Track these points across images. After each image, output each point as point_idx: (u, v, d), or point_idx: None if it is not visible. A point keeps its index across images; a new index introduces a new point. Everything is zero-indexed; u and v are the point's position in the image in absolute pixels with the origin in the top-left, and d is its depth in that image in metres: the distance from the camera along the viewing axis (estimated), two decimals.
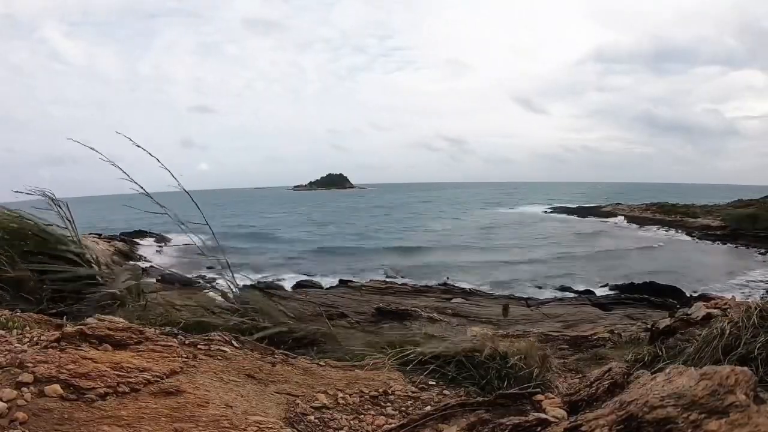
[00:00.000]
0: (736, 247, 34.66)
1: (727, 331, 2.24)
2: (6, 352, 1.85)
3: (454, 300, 19.70)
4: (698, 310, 3.73)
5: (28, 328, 2.37)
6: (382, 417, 2.04)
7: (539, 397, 2.10)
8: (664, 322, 4.04)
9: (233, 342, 2.44)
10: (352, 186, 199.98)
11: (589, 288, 23.34)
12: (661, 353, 2.65)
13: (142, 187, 3.58)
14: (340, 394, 2.17)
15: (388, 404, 2.17)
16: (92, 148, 3.52)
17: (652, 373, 1.69)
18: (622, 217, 52.99)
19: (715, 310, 3.61)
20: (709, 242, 37.02)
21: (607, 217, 55.14)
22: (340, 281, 24.48)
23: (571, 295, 22.39)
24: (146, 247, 35.45)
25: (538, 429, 1.62)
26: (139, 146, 3.57)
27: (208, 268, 4.09)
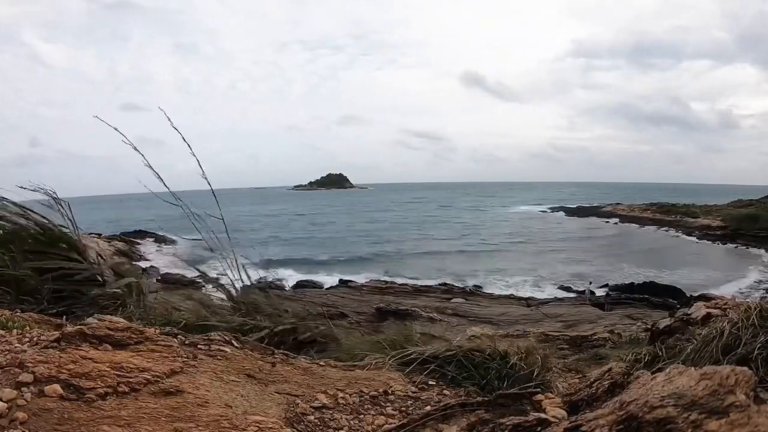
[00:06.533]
0: (736, 247, 34.66)
1: (727, 331, 2.23)
2: (6, 352, 1.85)
3: (454, 300, 19.72)
4: (698, 310, 3.73)
5: (28, 328, 2.37)
6: (382, 417, 2.04)
7: (539, 397, 2.10)
8: (664, 322, 4.04)
9: (233, 342, 2.44)
10: (352, 186, 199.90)
11: (589, 288, 23.33)
12: (661, 353, 2.65)
13: (166, 185, 3.55)
14: (340, 394, 2.17)
15: (388, 404, 2.17)
16: (131, 145, 3.44)
17: (652, 373, 1.69)
18: (620, 217, 52.99)
19: (715, 310, 3.61)
20: (709, 242, 37.01)
21: (607, 218, 55.14)
22: (340, 281, 24.49)
23: (571, 295, 22.40)
24: (146, 247, 35.46)
25: (538, 429, 1.62)
26: (176, 129, 3.52)
27: (209, 267, 4.10)
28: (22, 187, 3.69)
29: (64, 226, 3.77)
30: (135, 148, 3.45)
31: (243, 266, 3.66)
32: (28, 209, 3.73)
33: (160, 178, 3.51)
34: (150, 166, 3.47)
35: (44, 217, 3.73)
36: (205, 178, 3.60)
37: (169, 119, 3.52)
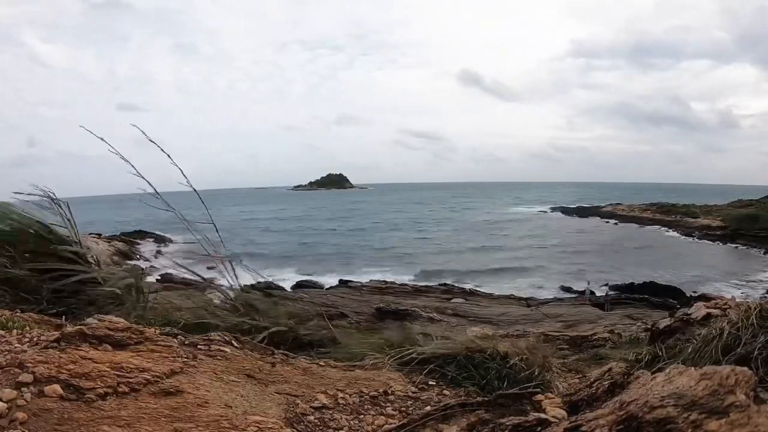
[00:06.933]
0: (736, 247, 34.67)
1: (727, 331, 2.23)
2: (6, 352, 1.85)
3: (454, 300, 19.71)
4: (698, 310, 3.73)
5: (28, 328, 2.37)
6: (382, 417, 2.04)
7: (539, 397, 2.10)
8: (664, 322, 4.04)
9: (233, 342, 2.44)
10: (352, 186, 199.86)
11: (589, 288, 23.32)
12: (661, 353, 2.65)
13: (153, 187, 3.55)
14: (340, 394, 2.17)
15: (388, 404, 2.17)
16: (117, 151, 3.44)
17: (652, 373, 1.69)
18: (620, 217, 52.98)
19: (715, 310, 3.61)
20: (709, 242, 37.01)
21: (607, 218, 55.16)
22: (340, 281, 24.48)
23: (571, 295, 22.39)
24: (146, 247, 35.46)
25: (538, 429, 1.62)
26: (152, 141, 3.54)
27: (209, 268, 4.10)
28: (18, 193, 3.69)
29: (63, 227, 3.76)
30: (122, 157, 3.46)
31: (242, 267, 3.66)
32: (27, 210, 3.73)
33: (149, 183, 3.52)
34: (139, 174, 3.48)
35: (43, 219, 3.73)
36: (190, 185, 3.60)
37: (144, 133, 3.54)
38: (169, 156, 3.52)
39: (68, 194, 3.99)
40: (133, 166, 3.48)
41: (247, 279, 3.71)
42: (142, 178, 3.50)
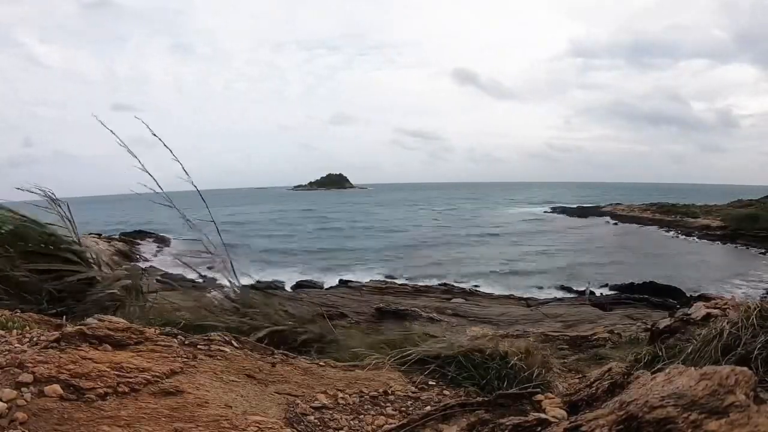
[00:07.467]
0: (736, 247, 34.65)
1: (727, 331, 2.24)
2: (6, 352, 1.85)
3: (453, 300, 19.69)
4: (698, 310, 3.73)
5: (28, 328, 2.37)
6: (382, 417, 2.04)
7: (539, 397, 2.10)
8: (664, 322, 4.04)
9: (233, 342, 2.44)
10: (352, 186, 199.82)
11: (589, 288, 23.31)
12: (661, 353, 2.65)
13: (159, 185, 3.55)
14: (340, 394, 2.17)
15: (388, 404, 2.17)
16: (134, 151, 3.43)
17: (652, 373, 1.69)
18: (620, 217, 53.00)
19: (715, 310, 3.61)
20: (709, 242, 37.00)
21: (607, 218, 55.16)
22: (340, 281, 24.46)
23: (571, 295, 22.38)
24: (146, 247, 35.44)
25: (538, 429, 1.62)
26: (129, 151, 3.54)
27: (209, 268, 4.09)
28: (20, 189, 3.69)
29: (63, 227, 3.76)
30: (129, 151, 3.46)
31: (242, 267, 3.66)
32: (25, 211, 3.73)
33: (155, 180, 3.52)
34: (145, 170, 3.48)
35: (42, 219, 3.73)
36: (191, 182, 3.60)
37: (148, 127, 3.55)
38: (171, 151, 3.52)
39: (67, 194, 4.00)
40: (140, 161, 3.48)
41: (247, 279, 3.71)
42: (149, 174, 3.50)
